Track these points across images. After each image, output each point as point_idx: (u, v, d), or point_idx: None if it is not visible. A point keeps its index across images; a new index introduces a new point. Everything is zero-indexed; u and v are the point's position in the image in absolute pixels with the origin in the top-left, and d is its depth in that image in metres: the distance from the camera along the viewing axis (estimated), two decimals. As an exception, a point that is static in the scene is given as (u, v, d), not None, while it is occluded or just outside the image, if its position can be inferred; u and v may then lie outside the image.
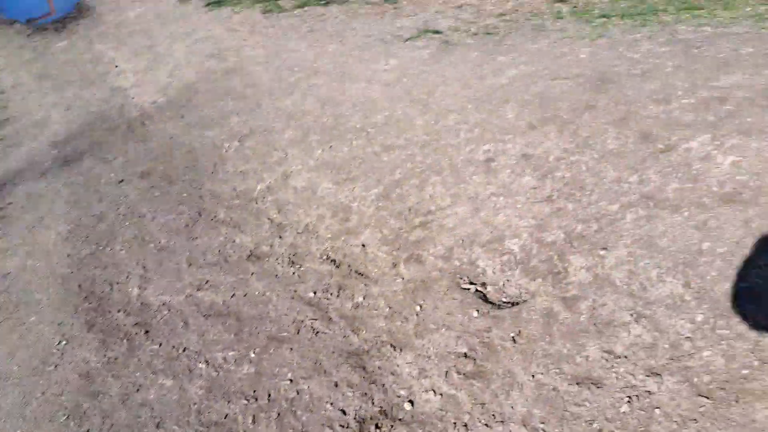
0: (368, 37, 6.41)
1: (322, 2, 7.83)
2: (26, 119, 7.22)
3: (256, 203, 4.27)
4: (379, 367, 2.69)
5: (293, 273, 3.48)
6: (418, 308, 2.91)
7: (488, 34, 5.77)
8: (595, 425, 2.14)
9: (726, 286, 2.44)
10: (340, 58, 6.04)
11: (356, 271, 3.31)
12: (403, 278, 3.12)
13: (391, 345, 2.78)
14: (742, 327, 2.28)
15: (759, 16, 4.58)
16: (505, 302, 2.76)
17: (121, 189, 5.01)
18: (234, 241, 3.95)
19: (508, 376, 2.42)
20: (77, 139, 6.24)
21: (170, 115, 6.15)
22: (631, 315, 2.48)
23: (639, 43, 4.65)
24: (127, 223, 4.49)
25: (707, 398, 2.10)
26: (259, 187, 4.41)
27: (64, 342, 3.45)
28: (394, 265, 3.22)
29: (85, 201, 4.98)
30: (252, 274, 3.59)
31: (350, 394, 2.61)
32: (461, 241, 3.16)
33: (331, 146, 4.49)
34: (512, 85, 4.44)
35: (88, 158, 5.75)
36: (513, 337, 2.56)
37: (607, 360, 2.34)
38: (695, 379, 2.16)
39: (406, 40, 5.92)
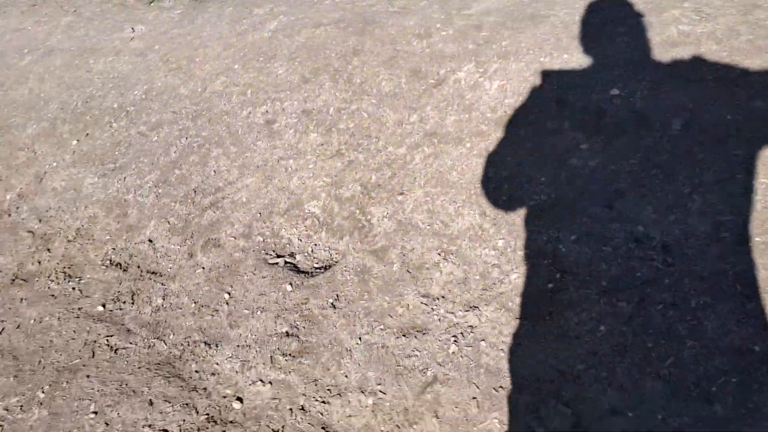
0: (106, 4, 5.47)
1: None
2: None
3: (9, 215, 3.44)
4: (196, 371, 2.33)
5: (73, 288, 2.86)
6: (226, 296, 2.57)
7: (241, -8, 5.28)
8: (429, 373, 2.07)
9: (518, 208, 2.49)
10: (77, 31, 5.07)
11: (149, 271, 2.82)
12: (203, 267, 2.73)
13: (205, 343, 2.42)
14: (539, 242, 2.34)
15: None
16: (317, 268, 2.54)
17: None
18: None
19: (336, 344, 2.24)
20: None
21: None
22: (439, 254, 2.43)
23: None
24: None
25: (524, 319, 2.13)
26: (8, 197, 3.56)
27: None
28: (191, 255, 2.81)
29: None
30: (21, 300, 2.89)
31: (169, 409, 2.22)
32: (259, 215, 2.84)
33: (87, 134, 3.76)
34: (275, 38, 4.08)
35: None
36: (332, 303, 2.37)
37: (426, 304, 2.27)
38: (510, 304, 2.18)
39: (150, 2, 5.16)
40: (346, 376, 2.13)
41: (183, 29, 4.66)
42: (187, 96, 3.74)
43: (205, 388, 2.26)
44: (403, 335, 2.18)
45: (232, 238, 2.80)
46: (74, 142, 3.74)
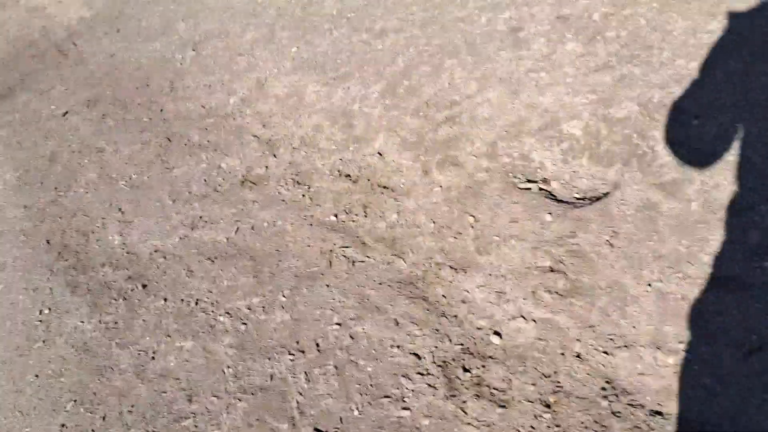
0: None
1: None
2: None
3: (234, 119, 3.44)
4: (443, 296, 2.12)
5: (303, 196, 2.78)
6: (471, 219, 2.30)
7: None
8: (753, 337, 1.66)
9: None
10: None
11: (380, 185, 2.64)
12: (441, 186, 2.48)
13: (451, 267, 2.19)
14: None
15: None
16: (579, 199, 2.17)
17: (69, 122, 4.05)
18: (220, 167, 3.17)
19: (616, 288, 1.89)
20: (2, 73, 5.06)
21: (104, 31, 5.01)
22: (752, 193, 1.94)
23: None
24: (85, 161, 3.61)
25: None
26: (231, 101, 3.57)
27: (46, 311, 2.72)
28: (426, 173, 2.57)
29: (30, 140, 4.01)
30: (253, 202, 2.87)
31: (418, 332, 2.04)
32: (504, 133, 2.50)
33: (306, 41, 3.63)
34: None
35: (21, 92, 4.66)
36: (608, 240, 2.01)
37: (742, 255, 1.82)
38: None
39: None
40: (634, 327, 1.78)
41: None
42: (414, 2, 3.43)
43: (455, 316, 2.04)
44: (712, 288, 1.77)
45: (473, 157, 2.50)
46: (293, 49, 3.63)
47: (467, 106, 2.69)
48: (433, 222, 2.37)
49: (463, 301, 2.07)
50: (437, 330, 2.02)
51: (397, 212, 2.47)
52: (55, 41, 5.20)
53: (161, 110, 3.78)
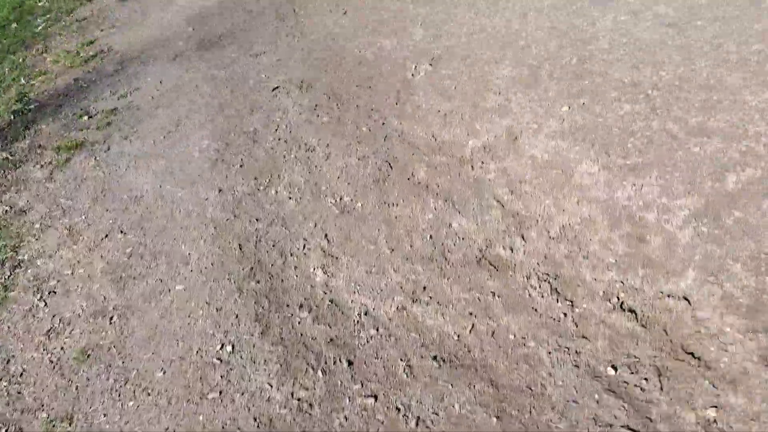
0: None
1: None
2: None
3: (472, 168, 2.81)
4: None
5: (564, 315, 2.11)
6: None
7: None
8: None
9: None
10: None
11: (684, 348, 1.92)
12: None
13: None
14: None
15: None
16: None
17: (278, 101, 3.58)
18: (450, 226, 2.56)
19: None
20: (214, 18, 4.72)
21: (328, 6, 4.53)
22: None
23: None
24: (292, 155, 3.11)
25: None
26: (471, 144, 2.94)
27: (228, 347, 2.22)
28: (766, 362, 1.82)
29: (233, 108, 3.58)
30: (494, 295, 2.24)
31: None
32: None
33: (583, 104, 2.92)
34: None
35: (230, 46, 4.27)
36: None
37: None
38: None
39: None
40: None
41: None
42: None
43: None
44: None
45: None
46: (564, 107, 2.93)
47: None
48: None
49: None
50: None
51: (714, 406, 1.75)
52: (274, 1, 4.79)
53: (383, 123, 3.22)
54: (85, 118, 3.73)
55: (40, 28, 5.05)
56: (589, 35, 3.29)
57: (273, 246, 2.60)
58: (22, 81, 4.32)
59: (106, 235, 2.82)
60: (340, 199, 2.79)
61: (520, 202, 2.56)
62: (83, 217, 2.97)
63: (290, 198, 2.84)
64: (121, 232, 2.82)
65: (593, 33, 3.30)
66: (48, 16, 5.27)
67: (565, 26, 3.43)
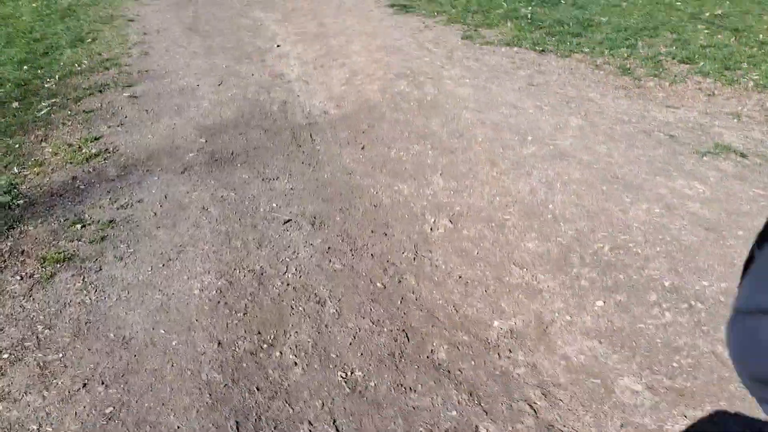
0: (625, 124, 4.60)
1: (538, 48, 6.03)
2: (169, 80, 5.59)
3: (498, 356, 2.59)
4: None
5: None
6: None
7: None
8: None
9: None
10: (597, 145, 4.25)
11: None
12: None
13: None
14: None
15: None
16: None
17: (288, 236, 3.36)
18: (477, 429, 2.29)
19: None
20: (228, 132, 4.59)
21: (347, 139, 4.47)
22: None
23: None
24: (301, 308, 2.85)
25: None
26: (497, 325, 2.73)
27: None
28: None
29: (240, 239, 3.34)
30: None
31: None
32: None
33: (620, 302, 2.78)
34: None
35: (243, 166, 4.11)
36: None
37: None
38: None
39: (704, 155, 4.11)
40: None
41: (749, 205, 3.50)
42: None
43: None
44: None
45: None
46: (599, 302, 2.79)
47: None
48: None
49: None
50: None
51: None
52: (292, 125, 4.72)
53: (399, 281, 3.02)
54: (78, 226, 3.42)
55: (43, 112, 4.83)
56: (621, 223, 3.23)
57: (274, 429, 2.26)
58: (15, 170, 4.02)
59: (84, 385, 2.44)
60: (351, 372, 2.50)
61: (555, 411, 2.32)
62: (60, 355, 2.59)
63: (296, 364, 2.54)
64: (102, 383, 2.45)
65: (626, 222, 3.24)
66: (54, 100, 5.08)
67: (596, 208, 3.38)
